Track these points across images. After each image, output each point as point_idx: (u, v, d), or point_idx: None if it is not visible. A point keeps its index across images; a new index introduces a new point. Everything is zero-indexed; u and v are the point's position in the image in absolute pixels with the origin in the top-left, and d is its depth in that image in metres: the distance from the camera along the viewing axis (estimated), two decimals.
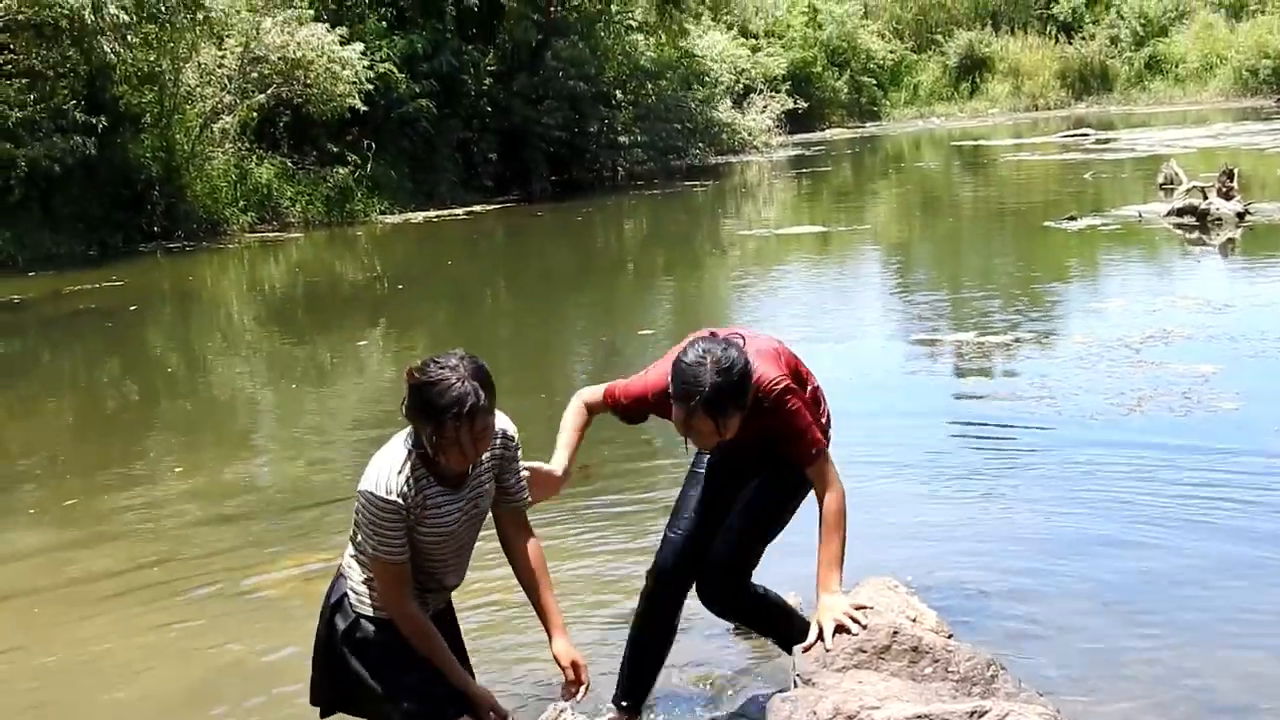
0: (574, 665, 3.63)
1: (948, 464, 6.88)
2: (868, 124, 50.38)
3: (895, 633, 3.52)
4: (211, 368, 12.07)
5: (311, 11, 23.64)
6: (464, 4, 27.08)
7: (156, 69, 21.56)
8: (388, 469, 3.40)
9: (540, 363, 11.08)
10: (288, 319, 14.65)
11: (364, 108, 22.94)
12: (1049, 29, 53.94)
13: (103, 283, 16.37)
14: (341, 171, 23.56)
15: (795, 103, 41.68)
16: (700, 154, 34.03)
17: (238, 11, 21.95)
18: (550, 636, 3.67)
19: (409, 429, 3.42)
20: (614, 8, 33.51)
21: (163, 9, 20.33)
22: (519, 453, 3.71)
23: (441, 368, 3.32)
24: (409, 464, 3.40)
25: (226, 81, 22.50)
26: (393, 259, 19.76)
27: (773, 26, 49.28)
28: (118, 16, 19.18)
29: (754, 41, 45.83)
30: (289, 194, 22.83)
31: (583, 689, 3.64)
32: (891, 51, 54.79)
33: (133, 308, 14.66)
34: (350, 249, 20.79)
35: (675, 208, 25.33)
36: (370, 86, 23.15)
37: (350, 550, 3.60)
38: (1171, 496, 6.11)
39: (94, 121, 19.15)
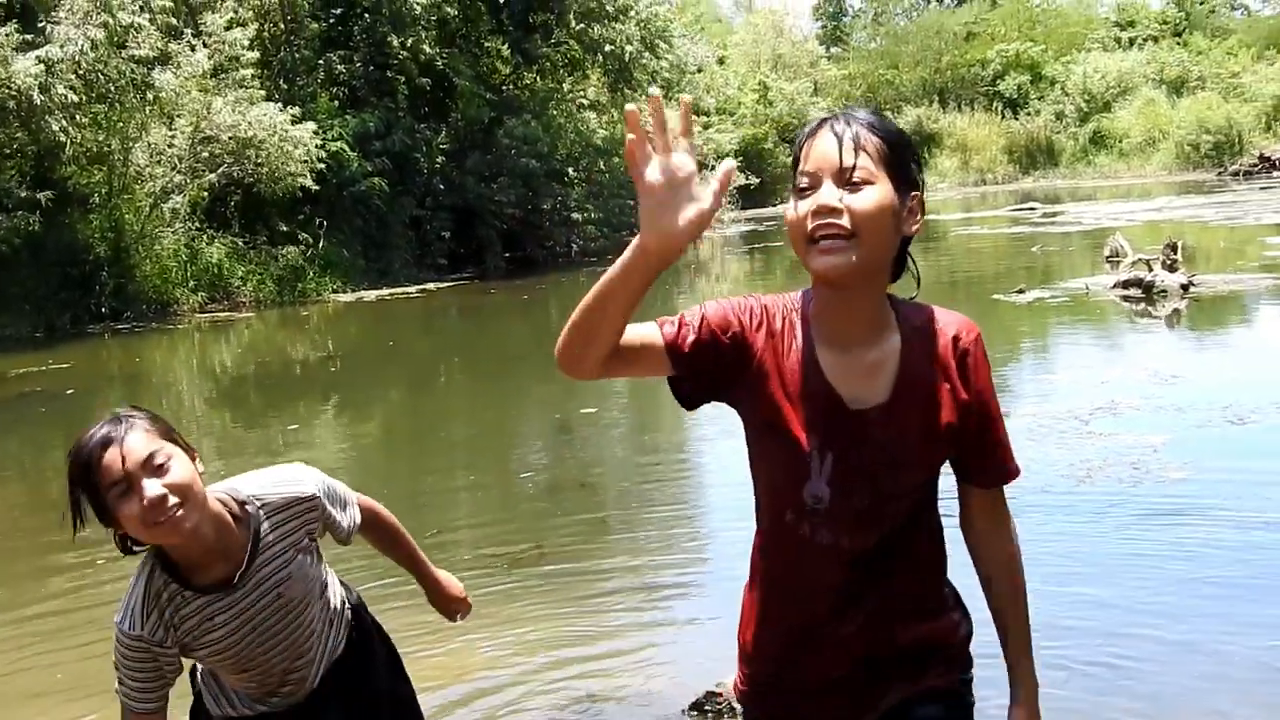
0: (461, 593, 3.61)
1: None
2: None
3: None
4: None
5: (263, 92, 23.67)
6: (416, 83, 27.24)
7: (106, 148, 21.53)
8: (129, 596, 2.77)
9: (494, 441, 11.01)
10: (236, 400, 14.53)
11: (316, 186, 22.96)
12: (995, 105, 54.88)
13: (49, 365, 16.21)
14: (293, 250, 23.51)
15: (747, 179, 42.09)
16: None
17: (188, 91, 21.96)
18: (437, 582, 3.73)
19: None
20: (566, 86, 33.82)
21: (112, 89, 20.35)
22: (331, 508, 3.02)
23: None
24: (147, 580, 2.75)
25: (177, 161, 22.48)
26: (345, 338, 19.67)
27: (724, 104, 49.79)
28: (66, 96, 19.16)
29: (705, 118, 46.27)
30: (240, 273, 22.75)
31: None
32: None
33: (70, 391, 14.46)
34: (302, 329, 20.69)
35: None
36: (322, 165, 23.18)
37: None
38: (1120, 564, 6.10)
39: (40, 200, 19.05)
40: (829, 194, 2.10)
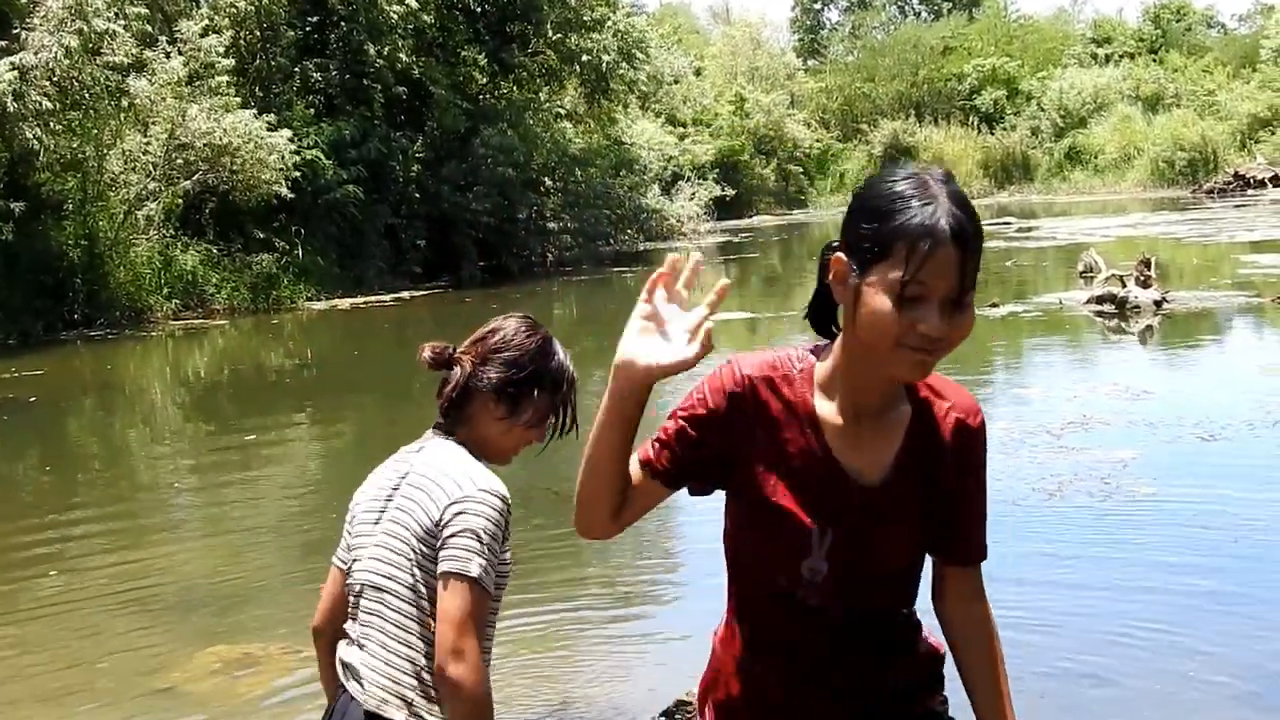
0: None
1: None
2: (795, 211, 51.03)
3: None
4: (124, 458, 11.87)
5: (238, 99, 23.61)
6: (392, 92, 27.20)
7: (80, 155, 21.41)
8: (479, 468, 2.75)
9: None
10: (208, 408, 14.47)
11: (291, 194, 22.90)
12: (971, 120, 55.14)
13: (22, 372, 16.11)
14: (268, 258, 23.44)
15: (723, 190, 42.19)
16: (629, 240, 34.26)
17: (163, 98, 21.88)
18: None
19: (450, 446, 2.80)
20: (543, 96, 33.83)
21: (86, 96, 20.26)
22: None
23: (531, 324, 2.90)
24: (482, 467, 2.77)
25: (151, 168, 22.39)
26: (319, 346, 19.62)
27: (700, 115, 49.93)
28: (40, 103, 19.07)
29: (682, 130, 46.39)
30: (214, 281, 22.66)
31: None
32: (818, 140, 55.74)
33: (32, 399, 14.34)
34: (276, 336, 20.62)
35: (604, 294, 25.41)
36: (298, 173, 23.12)
37: (369, 630, 2.74)
38: (1088, 577, 6.13)
39: (13, 208, 18.96)
40: (938, 327, 2.01)
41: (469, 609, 2.55)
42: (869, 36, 68.12)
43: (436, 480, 2.68)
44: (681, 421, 2.19)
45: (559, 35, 32.36)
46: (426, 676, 2.63)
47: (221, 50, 23.44)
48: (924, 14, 72.40)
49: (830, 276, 2.13)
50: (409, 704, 2.64)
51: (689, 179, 40.34)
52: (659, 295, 2.07)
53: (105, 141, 21.70)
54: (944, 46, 61.28)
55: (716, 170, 45.17)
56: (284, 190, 22.66)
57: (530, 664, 5.61)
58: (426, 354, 2.90)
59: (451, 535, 2.60)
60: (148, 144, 22.44)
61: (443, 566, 2.58)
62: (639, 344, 2.06)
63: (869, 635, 2.26)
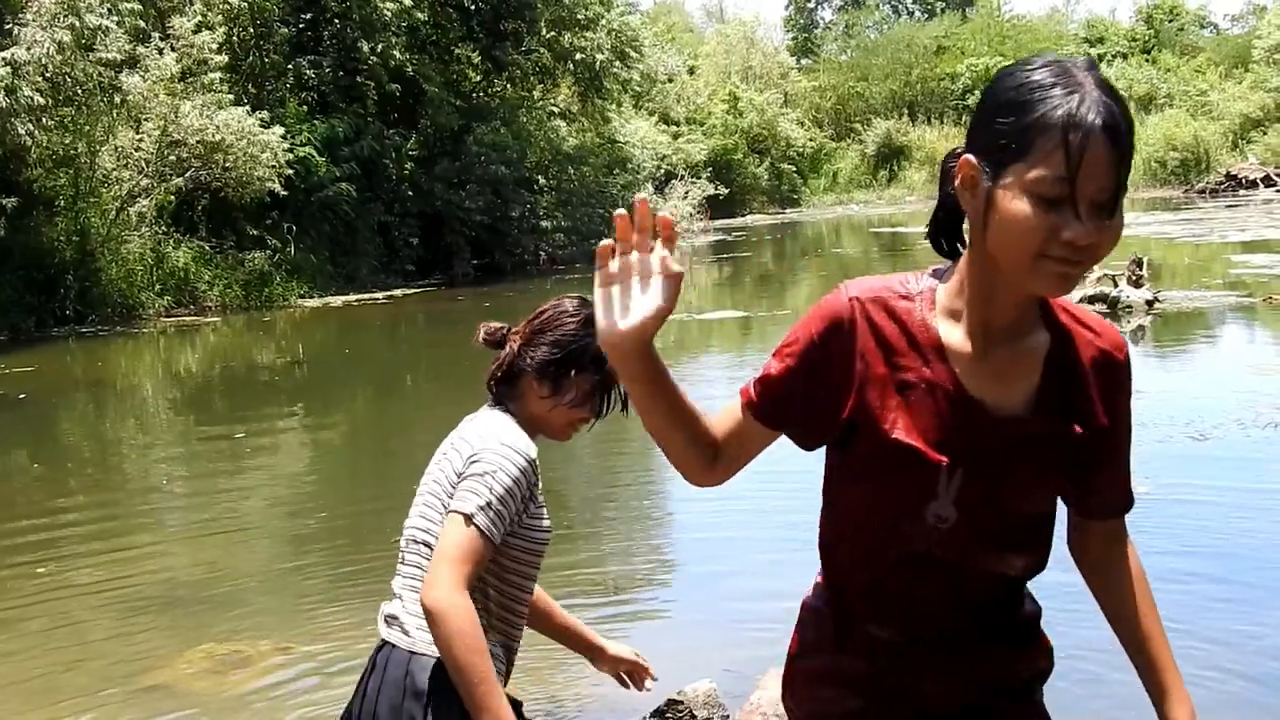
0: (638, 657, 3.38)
1: None
2: (788, 210, 51.03)
3: None
4: (114, 455, 11.84)
5: (231, 96, 23.57)
6: (385, 89, 27.17)
7: (72, 152, 21.38)
8: (521, 435, 2.81)
9: None
10: (200, 405, 14.44)
11: (284, 191, 22.88)
12: (964, 119, 55.03)
13: (13, 368, 16.07)
14: (260, 255, 23.41)
15: (716, 189, 42.17)
16: None
17: (156, 95, 21.83)
18: (601, 648, 3.36)
19: (495, 413, 2.88)
20: (536, 94, 33.82)
21: (79, 92, 20.22)
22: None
23: (585, 305, 2.88)
24: (521, 432, 2.83)
25: (144, 164, 22.34)
26: (311, 344, 19.59)
27: (694, 114, 49.91)
28: (32, 99, 19.02)
29: (675, 128, 46.37)
30: (206, 278, 22.63)
31: None
32: (811, 139, 55.73)
33: (22, 396, 14.29)
34: (268, 334, 20.59)
35: None
36: (290, 170, 23.09)
37: (406, 580, 2.82)
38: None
39: (5, 204, 18.90)
40: (1086, 233, 1.75)
41: (458, 543, 2.60)
42: (862, 36, 68.14)
43: (468, 439, 2.79)
44: (784, 356, 1.99)
45: (553, 33, 32.37)
46: None
47: (214, 47, 23.41)
48: (917, 13, 72.50)
49: (956, 183, 1.89)
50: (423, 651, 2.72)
51: (682, 178, 40.34)
52: (616, 261, 1.89)
53: (98, 138, 21.66)
54: (937, 46, 61.32)
55: (710, 169, 45.14)
56: (277, 187, 22.64)
57: (518, 660, 5.59)
58: (481, 334, 3.02)
59: (462, 479, 2.69)
60: (140, 140, 22.40)
61: (449, 505, 2.67)
62: (612, 315, 1.87)
63: (999, 610, 2.08)
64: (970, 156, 1.86)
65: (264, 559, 7.64)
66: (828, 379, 1.96)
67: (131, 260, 21.66)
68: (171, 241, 22.42)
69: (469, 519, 2.62)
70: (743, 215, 47.78)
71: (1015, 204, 1.78)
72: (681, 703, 4.69)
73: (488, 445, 2.73)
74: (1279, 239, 25.38)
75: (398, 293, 24.82)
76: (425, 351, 18.45)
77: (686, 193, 38.83)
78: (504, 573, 2.80)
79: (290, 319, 21.89)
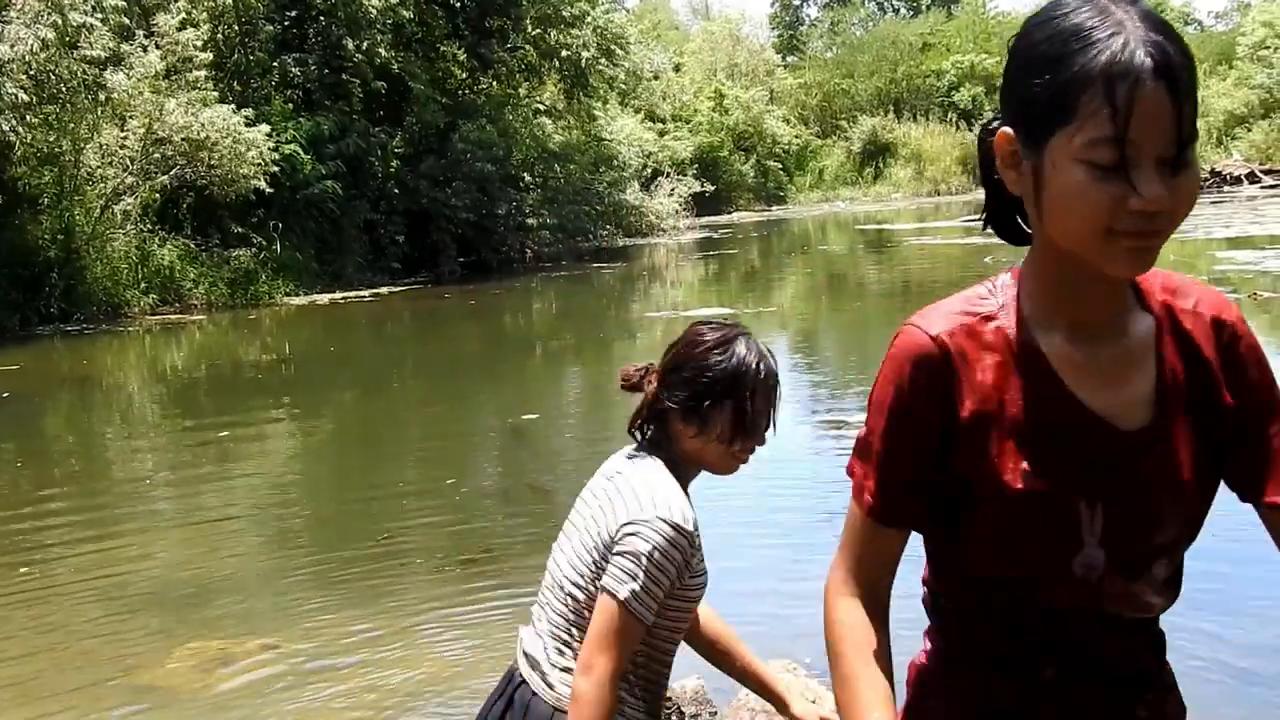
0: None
1: None
2: (774, 207, 51.07)
3: None
4: (99, 453, 11.80)
5: (216, 93, 23.52)
6: (371, 87, 27.13)
7: (57, 149, 21.31)
8: (677, 494, 2.61)
9: (444, 445, 10.96)
10: (185, 403, 14.40)
11: (269, 189, 22.82)
12: (950, 116, 55.24)
13: None
14: (246, 253, 23.36)
15: (702, 186, 42.18)
16: (608, 236, 34.27)
17: (141, 93, 21.77)
18: (786, 702, 2.96)
19: (651, 461, 2.68)
20: (522, 92, 33.81)
21: (63, 89, 20.15)
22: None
23: (715, 330, 2.73)
24: (674, 483, 2.63)
25: (129, 162, 22.27)
26: (297, 342, 19.55)
27: (680, 111, 49.91)
28: (17, 96, 18.96)
29: (661, 125, 46.36)
30: (192, 276, 22.57)
31: None
32: (797, 136, 55.77)
33: (5, 395, 14.22)
34: (254, 332, 20.54)
35: (583, 290, 25.39)
36: (276, 168, 23.04)
37: (554, 629, 2.73)
38: None
39: None
40: (1156, 195, 1.48)
41: (611, 628, 2.50)
42: (848, 33, 68.20)
43: (624, 494, 2.62)
44: (879, 438, 1.71)
45: (538, 31, 32.36)
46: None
47: (199, 44, 23.36)
48: (903, 10, 72.58)
49: (997, 164, 1.62)
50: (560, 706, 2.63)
51: (668, 175, 40.33)
52: None
53: (82, 135, 21.59)
54: (923, 43, 61.41)
55: (696, 166, 45.16)
56: (262, 185, 22.59)
57: (508, 657, 5.59)
58: (619, 378, 2.81)
59: (617, 554, 2.55)
60: (125, 138, 22.33)
61: (601, 581, 2.56)
62: None
63: (1145, 658, 1.79)
64: (1007, 129, 1.60)
65: (250, 556, 7.62)
66: (931, 436, 1.68)
67: (116, 258, 21.59)
68: (157, 239, 22.36)
69: (624, 605, 2.50)
70: (729, 212, 47.80)
71: (1066, 178, 1.51)
72: (670, 699, 4.69)
73: (645, 517, 2.54)
74: (1264, 235, 25.46)
75: (384, 290, 24.79)
76: (411, 349, 18.43)
77: (672, 190, 38.83)
78: (652, 634, 2.65)
79: (276, 317, 21.84)
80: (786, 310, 20.01)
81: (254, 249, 23.54)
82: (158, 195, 22.59)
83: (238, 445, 11.41)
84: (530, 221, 31.12)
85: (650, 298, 23.18)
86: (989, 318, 1.69)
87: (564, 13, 32.04)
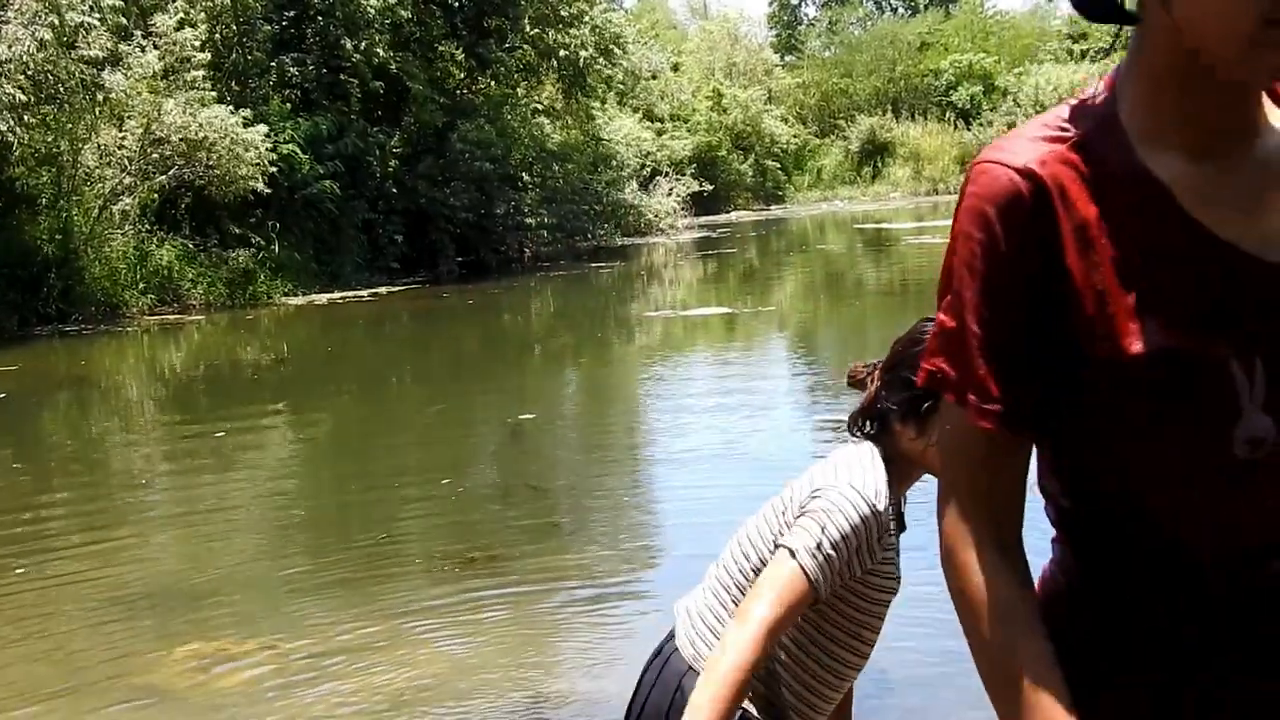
0: None
1: None
2: (772, 206, 51.05)
3: None
4: (98, 454, 11.79)
5: (214, 93, 23.50)
6: (369, 87, 27.12)
7: (54, 150, 21.29)
8: (877, 475, 2.47)
9: (443, 445, 10.95)
10: (184, 404, 14.39)
11: (268, 189, 22.80)
12: (948, 115, 55.22)
13: None
14: (244, 253, 23.33)
15: (701, 185, 42.13)
16: (607, 236, 34.25)
17: (139, 93, 21.76)
18: None
19: (863, 446, 2.56)
20: (520, 91, 33.80)
21: (61, 90, 20.13)
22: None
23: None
24: (881, 473, 2.49)
25: (127, 163, 22.24)
26: (295, 342, 19.55)
27: (678, 111, 49.85)
28: (14, 96, 18.94)
29: (659, 125, 46.32)
30: (190, 276, 22.55)
31: None
32: (795, 136, 55.74)
33: (2, 396, 14.21)
34: (252, 332, 20.53)
35: (582, 289, 25.39)
36: (274, 168, 23.03)
37: (715, 596, 2.62)
38: None
39: None
40: None
41: (778, 580, 2.36)
42: (846, 32, 68.11)
43: (824, 467, 2.56)
44: (977, 318, 1.34)
45: (536, 31, 32.34)
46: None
47: (197, 44, 23.32)
48: (901, 9, 72.52)
49: None
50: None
51: (667, 174, 40.29)
52: None
53: (80, 136, 21.56)
54: (921, 42, 61.34)
55: (694, 166, 45.09)
56: (260, 186, 22.57)
57: (506, 657, 5.59)
58: (847, 375, 2.73)
59: (800, 516, 2.45)
60: (123, 138, 22.31)
61: (779, 540, 2.46)
62: None
63: None
64: None
65: (247, 556, 7.62)
66: (1037, 301, 1.33)
67: (115, 259, 21.57)
68: (155, 240, 22.34)
69: (796, 559, 2.37)
70: (727, 212, 47.76)
71: None
72: None
73: (836, 483, 2.46)
74: None
75: (382, 290, 24.77)
76: (409, 349, 18.43)
77: (671, 189, 38.80)
78: (822, 626, 2.51)
79: (274, 317, 21.83)
80: (785, 309, 20.02)
81: (252, 249, 23.52)
82: (156, 195, 22.56)
83: (235, 445, 11.41)
84: (529, 221, 31.09)
85: (649, 297, 23.18)
86: (1083, 141, 1.34)
87: (562, 12, 32.03)
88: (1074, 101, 1.38)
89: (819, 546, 2.37)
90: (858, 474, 2.46)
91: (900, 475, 2.53)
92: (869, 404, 2.60)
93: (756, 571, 2.49)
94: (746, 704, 2.43)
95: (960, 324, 1.35)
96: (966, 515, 1.40)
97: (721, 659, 2.30)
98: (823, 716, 2.56)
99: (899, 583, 2.54)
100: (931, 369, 1.39)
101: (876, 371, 2.62)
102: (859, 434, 2.60)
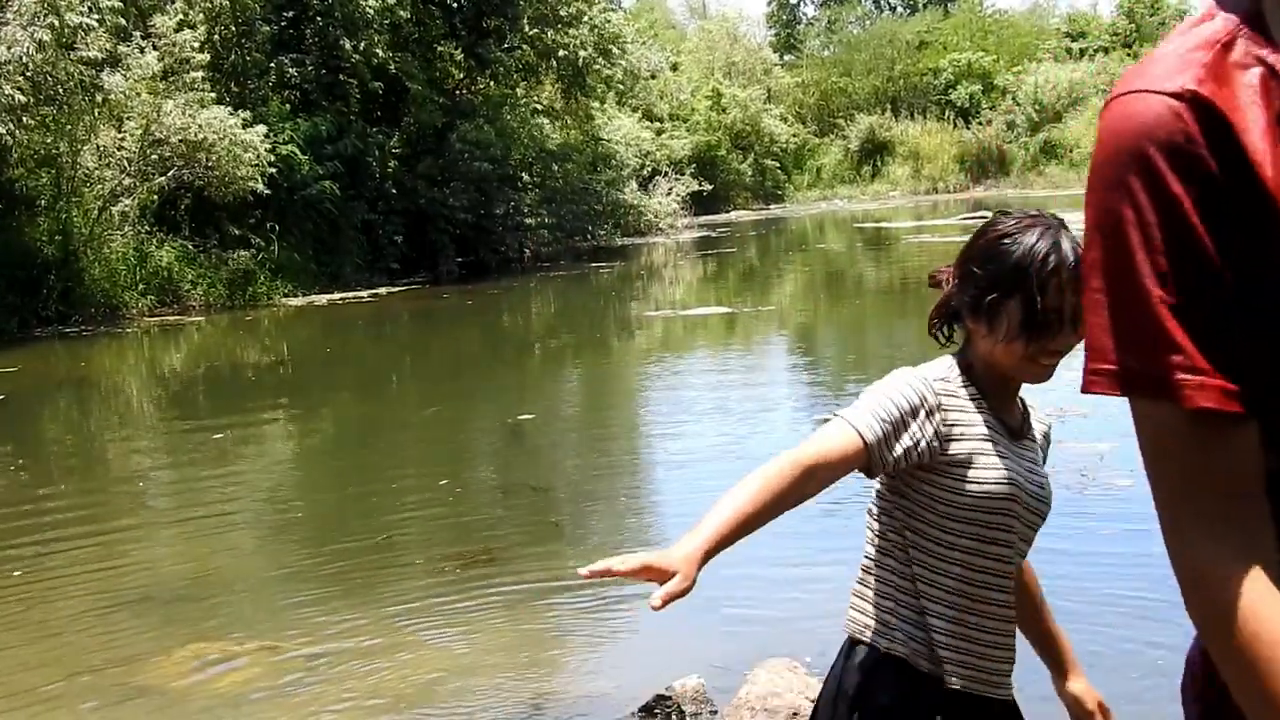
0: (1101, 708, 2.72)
1: (854, 544, 6.85)
2: (772, 206, 51.06)
3: (795, 714, 3.49)
4: (98, 455, 11.80)
5: (214, 94, 23.50)
6: (368, 87, 27.13)
7: (54, 151, 21.29)
8: (936, 367, 2.44)
9: (444, 445, 10.96)
10: (184, 404, 14.40)
11: (267, 190, 22.81)
12: (947, 114, 55.22)
13: None
14: (244, 254, 23.34)
15: (700, 185, 42.11)
16: (606, 235, 34.26)
17: (138, 94, 21.76)
18: (1069, 675, 2.76)
19: (941, 358, 2.50)
20: (519, 91, 33.80)
21: (60, 91, 20.13)
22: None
23: (1013, 218, 2.38)
24: (950, 368, 2.43)
25: (126, 164, 22.24)
26: (295, 342, 19.55)
27: (677, 110, 49.86)
28: (13, 98, 18.93)
29: (659, 125, 46.33)
30: (190, 277, 22.56)
31: None
32: (794, 135, 55.75)
33: (2, 397, 14.21)
34: (252, 333, 20.53)
35: (582, 289, 25.40)
36: (273, 169, 23.03)
37: (861, 571, 2.59)
38: (1066, 570, 6.14)
39: None
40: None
41: (824, 431, 2.32)
42: (845, 31, 68.12)
43: None
44: (1173, 286, 1.12)
45: (535, 30, 32.32)
46: (886, 606, 2.45)
47: (196, 45, 23.33)
48: (900, 8, 72.51)
49: None
50: (860, 637, 2.49)
51: (666, 174, 40.29)
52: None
53: (79, 137, 21.57)
54: (920, 41, 61.34)
55: (694, 165, 45.08)
56: (260, 186, 22.57)
57: (506, 656, 5.59)
58: (929, 279, 2.61)
59: None
60: (122, 140, 22.31)
61: None
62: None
63: None
64: None
65: (247, 556, 7.63)
66: (1230, 248, 1.12)
67: (114, 260, 21.58)
68: (154, 241, 22.34)
69: (839, 414, 2.34)
70: (727, 211, 47.77)
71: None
72: (669, 698, 4.69)
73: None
74: None
75: (382, 291, 24.78)
76: (409, 349, 18.42)
77: (670, 189, 38.80)
78: (918, 528, 2.43)
79: (274, 318, 21.84)
80: (785, 309, 20.02)
81: (252, 250, 23.52)
82: (155, 196, 22.56)
83: (235, 445, 11.41)
84: (528, 221, 31.09)
85: (649, 297, 23.18)
86: (1228, 42, 1.14)
87: (561, 12, 32.01)
88: (1196, 18, 1.19)
89: (864, 406, 2.33)
90: (923, 366, 2.42)
91: (990, 386, 2.43)
92: (944, 302, 2.53)
93: (881, 536, 2.49)
94: (886, 641, 2.43)
95: (1138, 298, 1.13)
96: (1203, 531, 1.18)
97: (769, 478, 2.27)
98: (952, 614, 2.44)
99: (1020, 490, 2.40)
100: (1111, 369, 1.18)
101: (951, 272, 2.55)
102: (939, 337, 2.56)
